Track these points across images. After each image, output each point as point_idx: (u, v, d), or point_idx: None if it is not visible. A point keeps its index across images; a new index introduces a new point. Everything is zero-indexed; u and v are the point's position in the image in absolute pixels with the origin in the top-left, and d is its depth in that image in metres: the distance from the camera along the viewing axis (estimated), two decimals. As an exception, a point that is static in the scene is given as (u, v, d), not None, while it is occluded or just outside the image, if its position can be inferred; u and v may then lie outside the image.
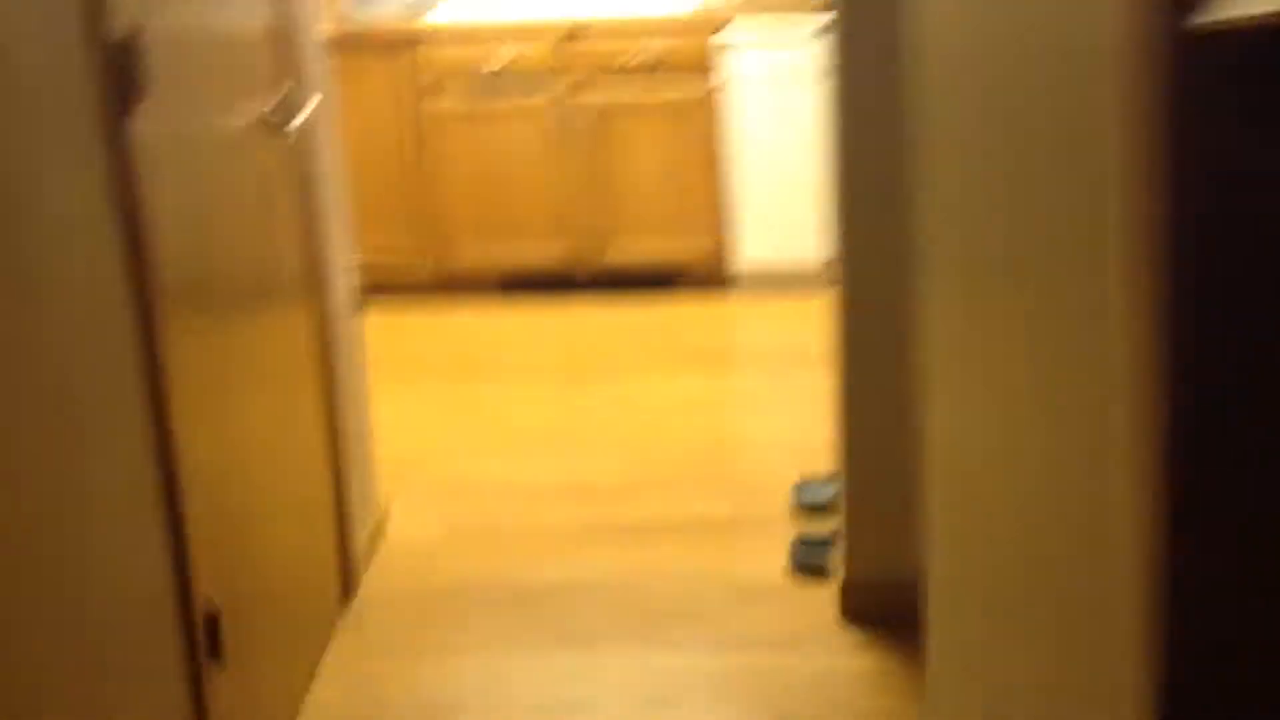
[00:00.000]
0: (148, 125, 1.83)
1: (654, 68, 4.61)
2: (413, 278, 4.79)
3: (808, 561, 2.98)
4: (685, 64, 4.62)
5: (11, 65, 1.48)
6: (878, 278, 2.61)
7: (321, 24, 2.82)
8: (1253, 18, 0.85)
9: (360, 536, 2.85)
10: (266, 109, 2.40)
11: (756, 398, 3.98)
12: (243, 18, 2.32)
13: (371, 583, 2.82)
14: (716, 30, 4.59)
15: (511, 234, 4.76)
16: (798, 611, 2.78)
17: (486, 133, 4.68)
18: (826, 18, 2.54)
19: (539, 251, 4.78)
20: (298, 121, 2.46)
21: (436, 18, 4.71)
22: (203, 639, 1.93)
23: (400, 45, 4.61)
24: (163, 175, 1.89)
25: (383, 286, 4.74)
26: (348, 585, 2.73)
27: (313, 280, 2.62)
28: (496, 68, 4.62)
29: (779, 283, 4.78)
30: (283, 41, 2.52)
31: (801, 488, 3.30)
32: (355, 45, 4.58)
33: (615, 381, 4.06)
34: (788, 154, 4.67)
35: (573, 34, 4.61)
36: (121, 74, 1.77)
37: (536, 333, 4.54)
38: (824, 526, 3.09)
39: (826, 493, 3.21)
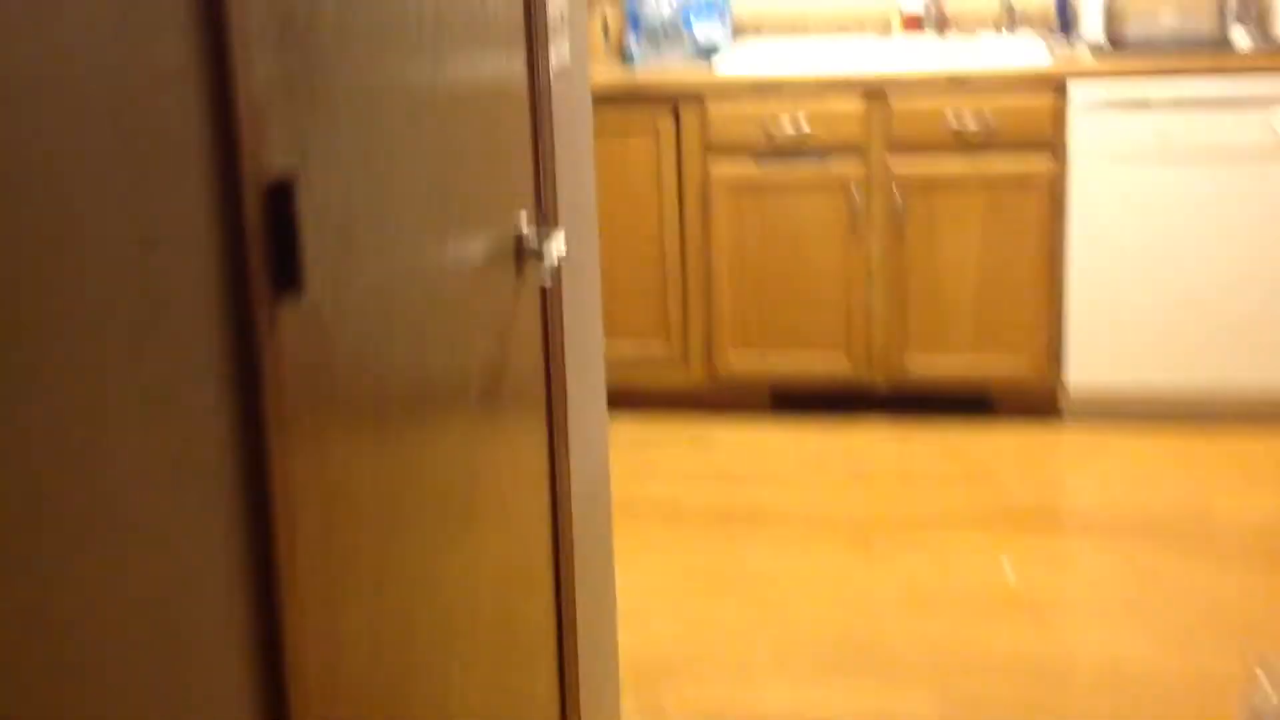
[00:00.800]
0: (301, 315, 1.06)
1: (983, 136, 3.69)
2: (666, 384, 3.99)
3: None
4: (1023, 132, 3.68)
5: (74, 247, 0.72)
6: None
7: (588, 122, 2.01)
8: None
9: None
10: (501, 242, 1.61)
11: (1107, 593, 3.00)
12: (472, 136, 1.54)
13: None
14: (1065, 89, 3.65)
15: (790, 335, 3.91)
16: None
17: (770, 208, 3.84)
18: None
19: (823, 359, 3.91)
20: (547, 262, 1.66)
21: (721, 70, 3.89)
22: None
23: (678, 100, 3.81)
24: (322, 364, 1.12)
25: (627, 395, 3.96)
26: None
27: (547, 399, 1.82)
28: (790, 130, 3.77)
29: (1119, 414, 3.80)
30: (531, 160, 1.73)
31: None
32: (621, 100, 3.81)
33: (915, 549, 3.16)
34: (1141, 251, 3.68)
35: (884, 90, 3.73)
36: (266, 246, 1.00)
37: (815, 466, 3.66)
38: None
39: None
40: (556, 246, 1.71)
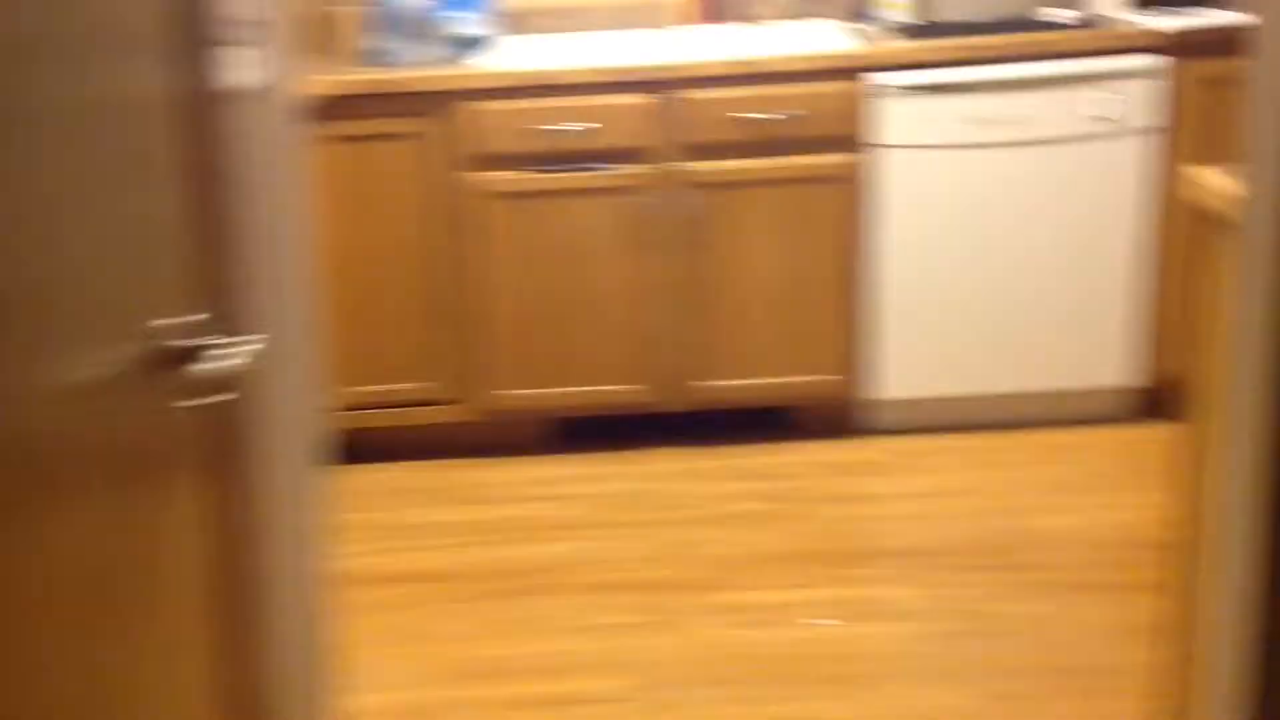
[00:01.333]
0: None
1: (783, 130, 3.33)
2: (436, 427, 3.52)
3: None
4: (826, 124, 3.34)
5: None
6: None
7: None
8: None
9: None
10: (141, 342, 1.15)
11: (926, 640, 2.66)
12: (86, 208, 1.06)
13: None
14: (869, 76, 3.31)
15: (578, 361, 3.50)
16: None
17: (549, 222, 3.41)
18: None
19: (614, 386, 3.51)
20: (224, 354, 1.20)
21: (483, 64, 3.44)
22: None
23: (438, 102, 3.34)
24: None
25: (387, 438, 3.51)
26: None
27: (216, 522, 1.37)
28: (569, 132, 3.35)
29: (932, 427, 3.50)
30: (194, 219, 1.27)
31: None
32: (369, 105, 3.32)
33: (715, 605, 2.79)
34: (951, 247, 3.39)
35: (672, 84, 3.34)
36: None
37: (607, 511, 3.25)
38: None
39: None
40: (238, 335, 1.26)
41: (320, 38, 3.54)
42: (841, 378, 3.47)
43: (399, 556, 3.04)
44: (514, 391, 3.49)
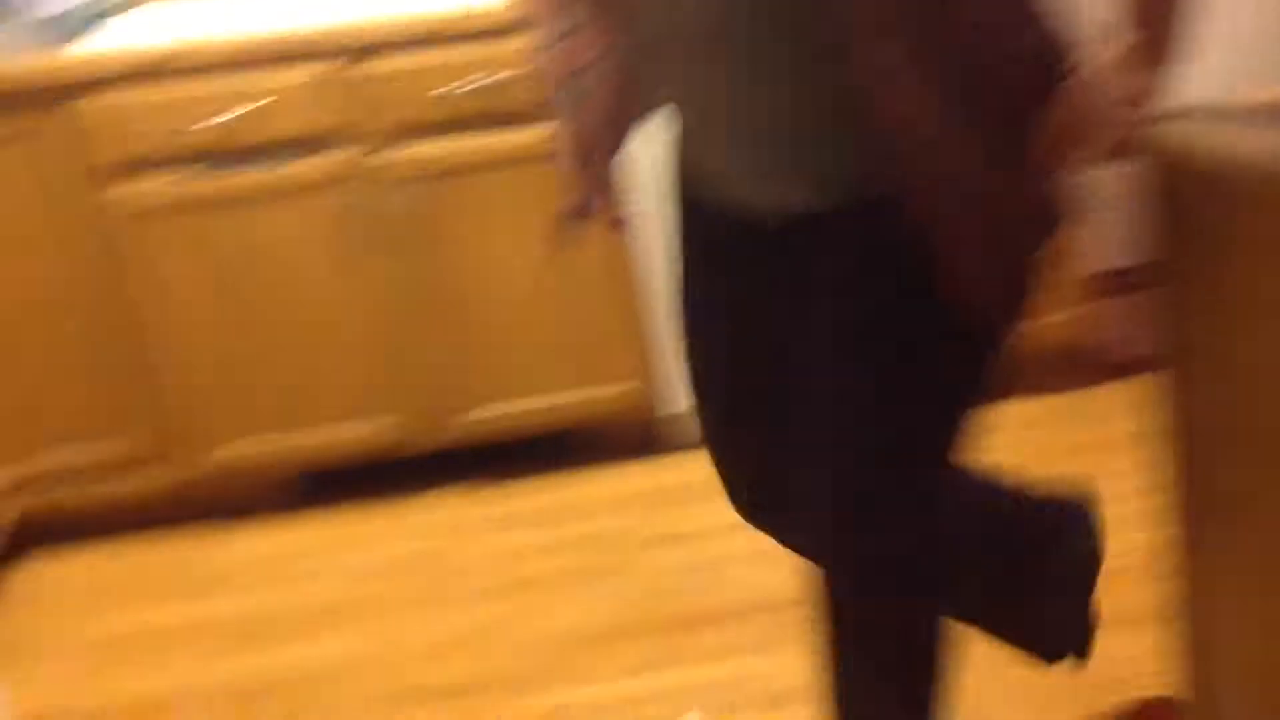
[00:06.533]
0: None
1: (503, 103, 2.65)
2: (133, 492, 2.80)
3: None
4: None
5: None
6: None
7: None
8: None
9: None
10: None
11: None
12: None
13: None
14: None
15: (303, 399, 2.80)
16: None
17: (227, 235, 2.68)
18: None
19: (354, 425, 2.82)
20: None
21: (99, 46, 2.63)
22: None
23: (39, 101, 2.55)
24: None
25: (73, 518, 2.80)
26: None
27: None
28: (229, 122, 2.60)
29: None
30: None
31: None
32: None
33: (539, 713, 2.16)
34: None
35: (354, 52, 2.61)
36: None
37: (367, 583, 2.60)
38: None
39: None
40: None
41: None
42: (634, 386, 2.83)
43: (102, 682, 2.33)
44: (231, 444, 2.77)
